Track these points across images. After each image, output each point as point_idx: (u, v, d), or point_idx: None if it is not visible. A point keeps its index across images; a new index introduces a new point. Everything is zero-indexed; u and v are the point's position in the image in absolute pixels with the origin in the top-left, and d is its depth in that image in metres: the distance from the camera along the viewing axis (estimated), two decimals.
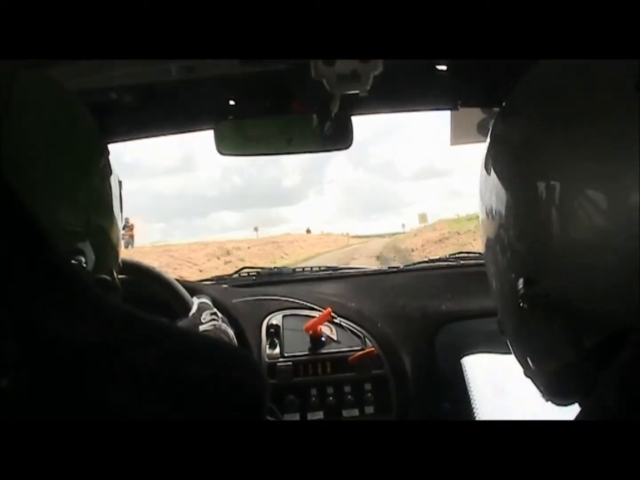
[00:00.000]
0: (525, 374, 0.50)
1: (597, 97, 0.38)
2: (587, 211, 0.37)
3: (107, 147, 0.58)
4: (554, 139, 0.40)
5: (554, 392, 0.48)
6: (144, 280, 1.01)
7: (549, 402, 0.49)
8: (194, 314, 0.97)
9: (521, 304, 0.42)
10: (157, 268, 1.06)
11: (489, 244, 0.49)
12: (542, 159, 0.40)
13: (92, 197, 0.52)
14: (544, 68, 0.44)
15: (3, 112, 0.45)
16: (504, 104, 0.49)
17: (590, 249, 0.37)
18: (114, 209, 0.57)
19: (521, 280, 0.42)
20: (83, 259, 0.49)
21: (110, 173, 0.56)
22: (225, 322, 1.00)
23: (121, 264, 1.01)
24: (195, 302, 1.00)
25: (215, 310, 0.99)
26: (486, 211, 0.48)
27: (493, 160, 0.47)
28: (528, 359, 0.49)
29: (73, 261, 0.48)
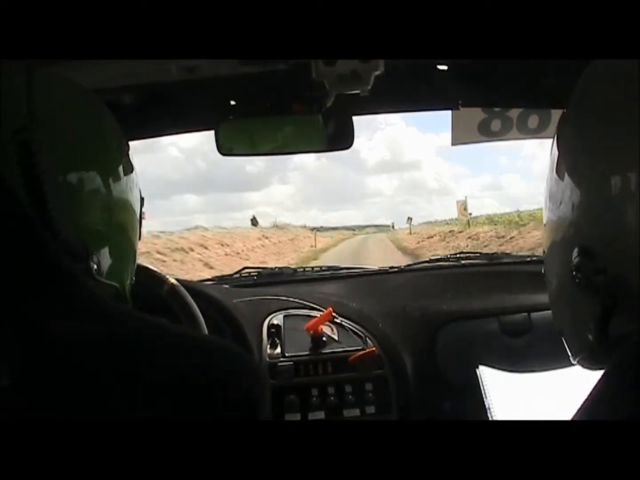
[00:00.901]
0: (558, 332, 0.52)
1: None
2: None
3: (128, 144, 0.57)
4: (624, 136, 0.40)
5: (585, 357, 0.49)
6: (165, 294, 1.01)
7: (577, 365, 0.50)
8: (195, 314, 0.98)
9: (574, 273, 0.43)
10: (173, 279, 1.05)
11: (550, 226, 0.50)
12: (615, 153, 0.41)
13: (115, 195, 0.52)
14: (603, 67, 0.44)
15: (26, 112, 0.45)
16: (568, 108, 0.49)
17: None
18: (135, 208, 0.56)
19: (577, 250, 0.43)
20: (98, 259, 0.49)
21: (132, 170, 0.56)
22: (226, 324, 1.01)
23: (151, 274, 1.00)
24: (197, 303, 1.01)
25: (218, 312, 1.00)
26: (553, 208, 0.48)
27: (566, 161, 0.47)
28: (565, 320, 0.50)
29: (90, 262, 0.48)
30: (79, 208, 0.48)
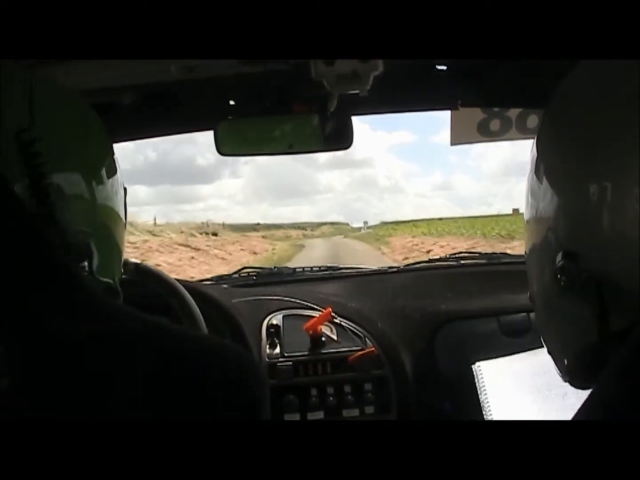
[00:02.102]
0: (548, 352, 0.51)
1: None
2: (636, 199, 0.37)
3: (112, 147, 0.58)
4: (604, 138, 0.40)
5: (574, 374, 0.48)
6: (159, 292, 1.01)
7: (567, 384, 0.50)
8: (196, 314, 0.98)
9: (559, 277, 0.43)
10: (173, 279, 1.05)
11: (531, 225, 0.49)
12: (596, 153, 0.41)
13: (99, 197, 0.52)
14: (587, 69, 0.44)
15: (28, 117, 0.45)
16: (548, 109, 0.48)
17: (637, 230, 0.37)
18: (120, 208, 0.57)
19: (561, 253, 0.43)
20: (89, 260, 0.49)
21: (115, 172, 0.56)
22: (226, 324, 1.01)
23: (147, 273, 1.01)
24: (197, 303, 1.01)
25: (217, 312, 1.00)
26: (535, 206, 0.48)
27: (545, 163, 0.47)
28: (553, 337, 0.50)
29: (80, 262, 0.48)
30: (66, 205, 0.48)
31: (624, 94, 0.39)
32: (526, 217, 0.50)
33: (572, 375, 0.48)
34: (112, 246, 0.55)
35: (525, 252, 0.52)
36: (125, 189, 0.59)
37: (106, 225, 0.54)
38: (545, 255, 0.46)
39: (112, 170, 0.55)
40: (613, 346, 0.39)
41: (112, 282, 0.54)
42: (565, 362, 0.48)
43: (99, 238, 0.51)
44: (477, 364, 1.07)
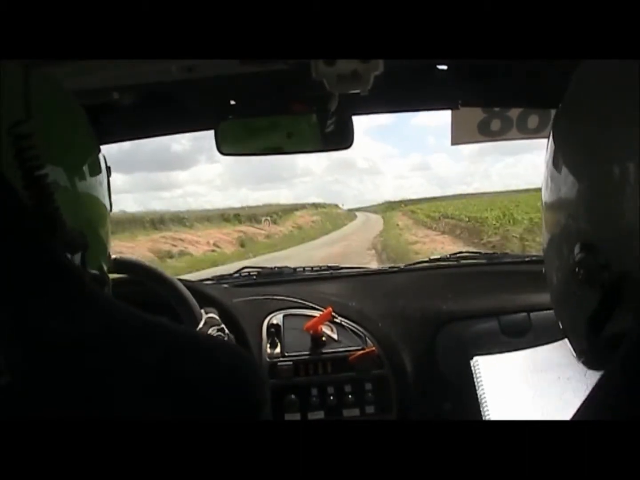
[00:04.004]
0: (563, 332, 0.51)
1: None
2: None
3: (98, 144, 0.58)
4: (621, 132, 0.40)
5: (589, 356, 0.49)
6: (156, 287, 1.02)
7: (581, 364, 0.50)
8: (201, 328, 0.98)
9: (577, 269, 0.43)
10: (171, 276, 1.06)
11: (549, 212, 0.49)
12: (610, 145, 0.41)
13: (85, 194, 0.53)
14: (599, 62, 0.44)
15: (24, 111, 0.45)
16: (563, 102, 0.49)
17: None
18: (105, 204, 0.58)
19: (579, 245, 0.43)
20: (82, 252, 0.50)
21: (100, 170, 0.57)
22: (231, 339, 1.01)
23: (137, 267, 1.02)
24: (204, 316, 1.01)
25: (222, 326, 1.00)
26: (553, 195, 0.48)
27: (563, 156, 0.46)
28: (569, 319, 0.50)
29: (69, 257, 0.48)
30: (55, 202, 0.48)
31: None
32: (544, 204, 0.50)
33: (587, 356, 0.49)
34: (99, 239, 0.56)
35: (543, 239, 0.52)
36: (108, 168, 0.60)
37: (92, 218, 0.54)
38: (564, 243, 0.46)
39: (98, 167, 0.56)
40: (629, 332, 0.39)
41: (99, 272, 0.55)
42: (581, 343, 0.48)
43: (87, 231, 0.52)
44: (475, 358, 1.07)
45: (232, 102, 1.14)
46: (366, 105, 1.15)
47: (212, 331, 0.98)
